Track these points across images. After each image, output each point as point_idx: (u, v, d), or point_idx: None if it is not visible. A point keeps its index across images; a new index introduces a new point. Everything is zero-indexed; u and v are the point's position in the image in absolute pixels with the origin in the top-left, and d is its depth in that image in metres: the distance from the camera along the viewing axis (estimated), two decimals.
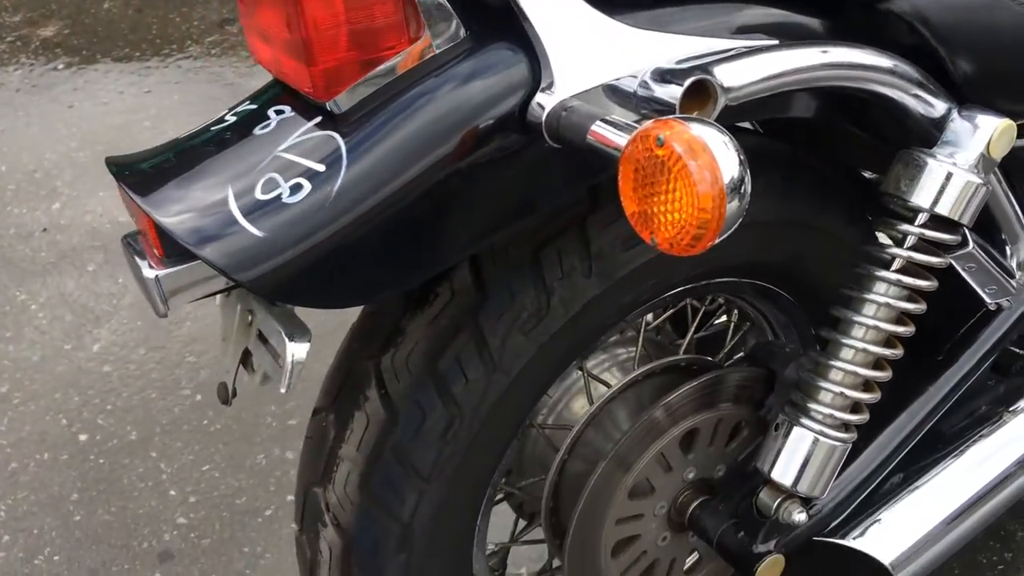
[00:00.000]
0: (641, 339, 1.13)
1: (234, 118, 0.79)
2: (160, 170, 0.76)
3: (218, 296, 0.84)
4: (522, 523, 1.23)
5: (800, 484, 0.99)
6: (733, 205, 0.60)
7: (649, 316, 1.16)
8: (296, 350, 0.75)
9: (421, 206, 0.73)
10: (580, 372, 1.09)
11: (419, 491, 0.90)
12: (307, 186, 0.70)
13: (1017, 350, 1.27)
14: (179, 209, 0.70)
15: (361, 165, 0.71)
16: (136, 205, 0.73)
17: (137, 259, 0.75)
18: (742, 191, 0.60)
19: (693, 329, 1.16)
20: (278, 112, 0.77)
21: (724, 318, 1.24)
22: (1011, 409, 1.22)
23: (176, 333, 1.97)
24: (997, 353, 1.15)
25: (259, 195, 0.70)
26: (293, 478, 1.59)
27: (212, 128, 0.79)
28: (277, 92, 0.80)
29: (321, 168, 0.71)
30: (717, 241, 0.61)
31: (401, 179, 0.72)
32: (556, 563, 1.29)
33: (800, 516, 1.01)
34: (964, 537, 1.13)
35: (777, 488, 1.02)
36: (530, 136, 0.75)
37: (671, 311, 1.20)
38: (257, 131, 0.76)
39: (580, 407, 1.10)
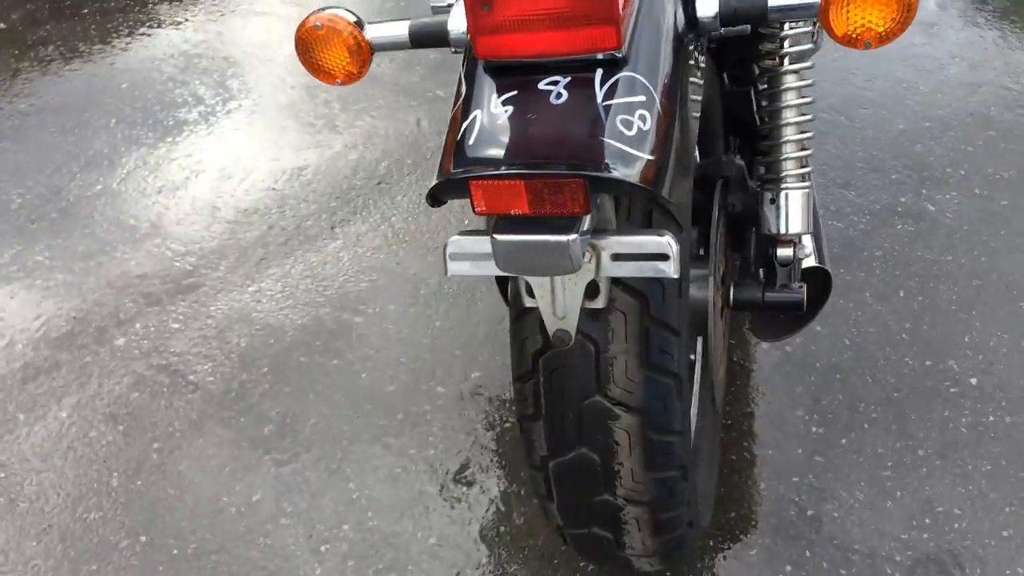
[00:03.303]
0: None
1: (510, 106, 0.91)
2: (521, 151, 0.88)
3: None
4: None
5: (800, 227, 1.42)
6: None
7: None
8: (674, 241, 0.94)
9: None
10: None
11: (677, 345, 1.13)
12: (648, 114, 0.89)
13: None
14: (594, 164, 0.85)
15: (658, 87, 0.92)
16: (537, 179, 0.85)
17: (528, 236, 0.87)
18: None
19: None
20: (552, 83, 0.92)
21: None
22: None
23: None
24: None
25: (629, 132, 0.88)
26: None
27: (496, 110, 0.91)
28: (508, 75, 0.94)
29: (643, 98, 0.90)
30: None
31: (679, 86, 0.95)
32: None
33: (807, 247, 1.45)
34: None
35: (785, 240, 1.44)
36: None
37: None
38: (555, 101, 0.91)
39: None
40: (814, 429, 1.84)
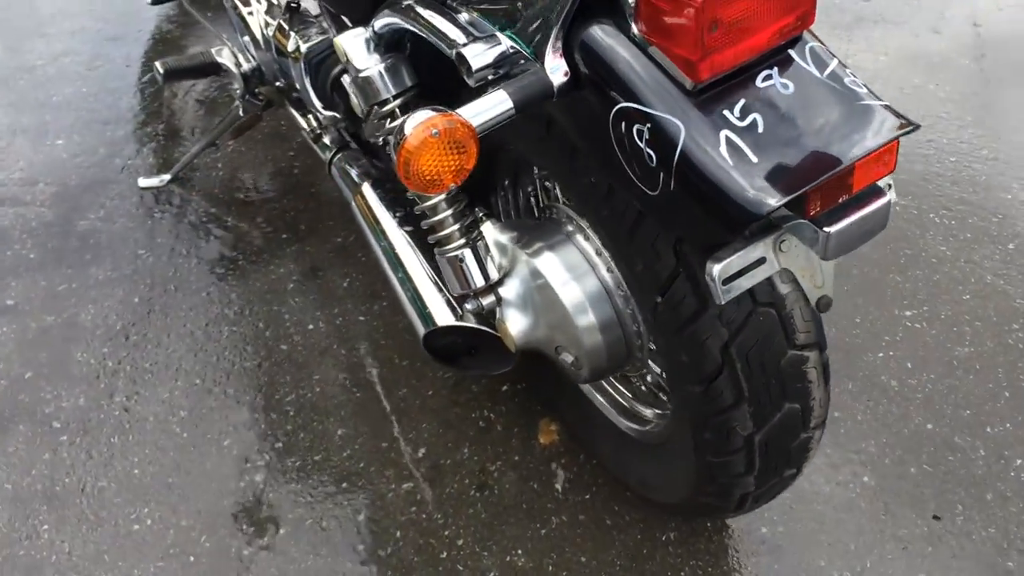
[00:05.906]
0: None
1: (753, 113, 0.89)
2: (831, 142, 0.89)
3: None
4: None
5: None
6: None
7: None
8: None
9: None
10: None
11: None
12: (850, 70, 0.94)
13: None
14: (894, 124, 0.90)
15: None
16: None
17: (857, 213, 0.90)
18: None
19: None
20: (767, 78, 0.91)
21: None
22: None
23: None
24: None
25: (865, 89, 0.93)
26: None
27: (743, 123, 0.90)
28: (709, 91, 0.91)
29: (837, 59, 0.95)
30: None
31: None
32: None
33: None
34: None
35: None
36: None
37: None
38: (784, 91, 0.91)
39: None
40: None
